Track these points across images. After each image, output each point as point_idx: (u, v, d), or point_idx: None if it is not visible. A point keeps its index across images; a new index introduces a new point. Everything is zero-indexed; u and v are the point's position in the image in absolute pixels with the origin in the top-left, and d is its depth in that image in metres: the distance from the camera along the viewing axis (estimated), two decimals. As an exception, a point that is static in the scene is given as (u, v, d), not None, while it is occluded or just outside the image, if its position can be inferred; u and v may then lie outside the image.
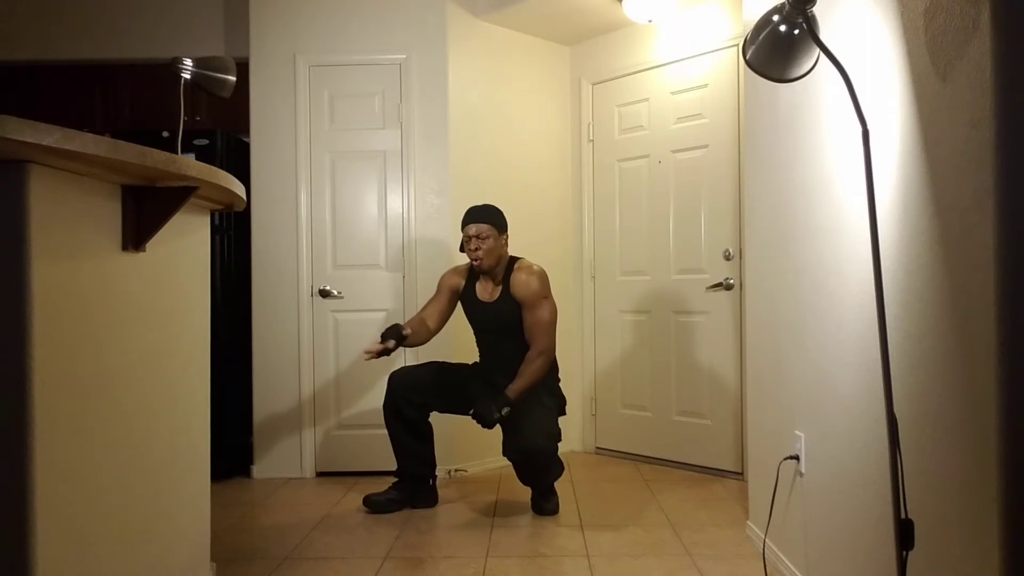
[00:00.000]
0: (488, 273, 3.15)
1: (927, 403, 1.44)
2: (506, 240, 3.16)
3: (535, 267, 3.15)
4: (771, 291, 2.53)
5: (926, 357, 1.44)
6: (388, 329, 3.09)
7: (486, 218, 3.12)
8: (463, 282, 3.23)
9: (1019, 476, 1.15)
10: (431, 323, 3.19)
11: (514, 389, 2.96)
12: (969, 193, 1.27)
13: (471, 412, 2.98)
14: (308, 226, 3.79)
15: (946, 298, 1.36)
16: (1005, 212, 1.16)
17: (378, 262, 3.80)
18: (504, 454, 3.03)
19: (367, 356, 3.01)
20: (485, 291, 3.18)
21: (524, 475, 3.09)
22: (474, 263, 3.11)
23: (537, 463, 3.01)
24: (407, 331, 3.07)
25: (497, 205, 3.22)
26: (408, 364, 3.36)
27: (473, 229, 3.08)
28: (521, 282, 3.10)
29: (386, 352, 3.03)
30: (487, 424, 2.92)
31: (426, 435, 3.22)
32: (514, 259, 3.19)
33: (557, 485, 3.24)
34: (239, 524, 3.04)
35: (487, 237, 3.08)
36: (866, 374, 1.75)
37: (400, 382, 3.14)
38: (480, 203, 3.22)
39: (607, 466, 3.96)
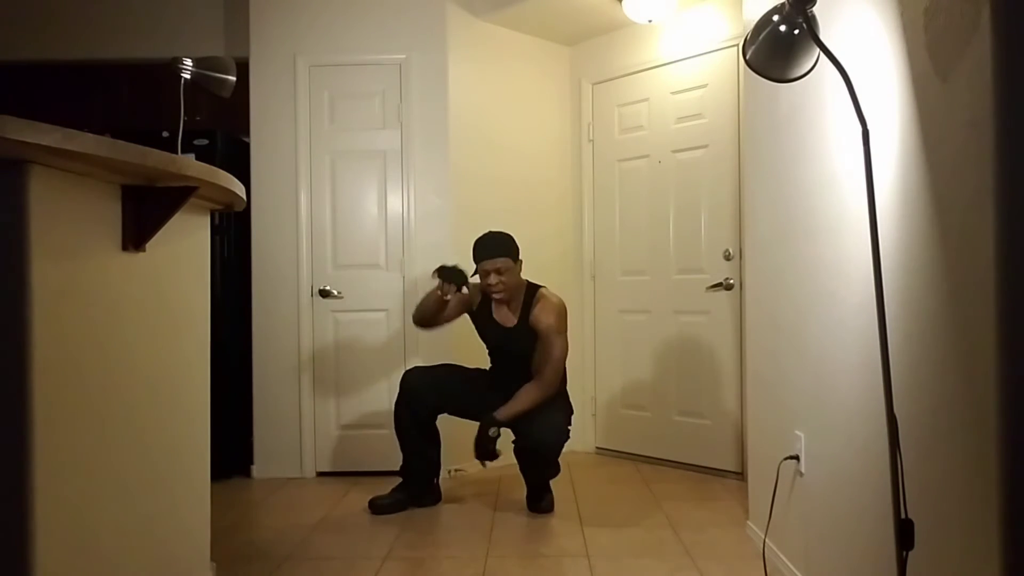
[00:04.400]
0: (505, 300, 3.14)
1: (927, 403, 1.44)
2: (521, 265, 3.12)
3: (555, 299, 3.11)
4: (771, 291, 2.53)
5: (926, 357, 1.44)
6: (448, 270, 3.01)
7: (502, 251, 3.04)
8: (476, 302, 3.20)
9: (1019, 476, 1.15)
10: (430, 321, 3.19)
11: (506, 413, 2.97)
12: (969, 193, 1.27)
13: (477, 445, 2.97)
14: (308, 226, 3.79)
15: (946, 298, 1.36)
16: (1005, 212, 1.16)
17: (378, 262, 3.80)
18: (516, 448, 3.06)
19: (446, 295, 3.01)
20: (502, 314, 3.16)
21: (530, 469, 3.11)
22: (495, 298, 3.08)
23: (547, 458, 3.06)
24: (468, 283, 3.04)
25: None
26: (420, 364, 3.34)
27: (490, 265, 3.02)
28: (542, 315, 3.07)
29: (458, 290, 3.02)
30: (486, 455, 2.95)
31: (435, 436, 3.23)
32: (533, 285, 3.16)
33: (556, 484, 3.25)
34: (239, 524, 3.04)
35: (506, 271, 3.03)
36: (866, 374, 1.75)
37: (416, 382, 3.13)
38: (486, 231, 3.14)
39: (607, 466, 3.96)
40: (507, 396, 3.03)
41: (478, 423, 2.98)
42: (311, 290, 3.78)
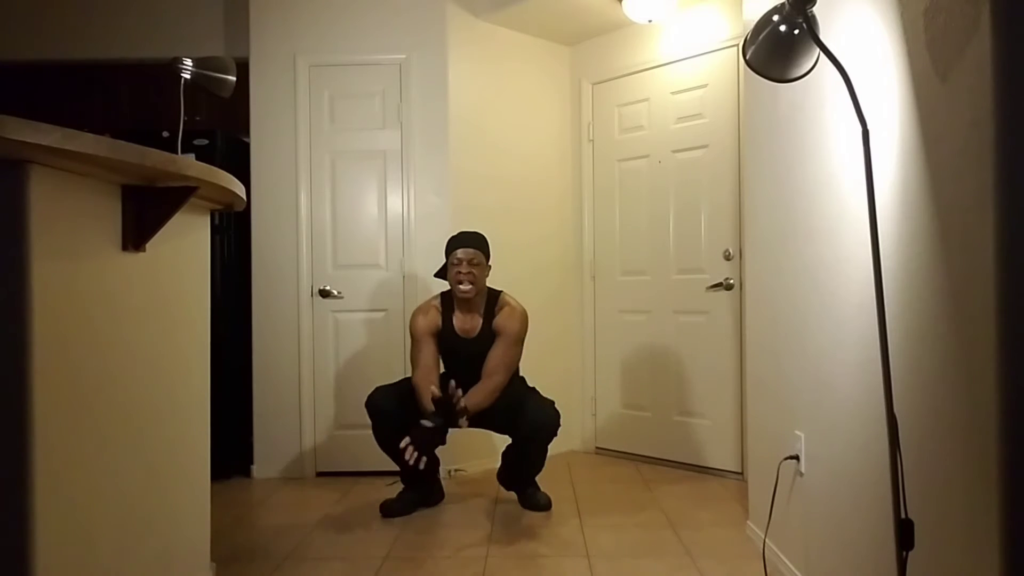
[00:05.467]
0: (467, 304, 3.10)
1: (927, 403, 1.44)
2: (489, 271, 3.14)
3: (519, 307, 3.12)
4: (771, 291, 2.53)
5: (926, 357, 1.44)
6: (424, 434, 2.72)
7: (479, 244, 3.09)
8: (439, 318, 3.13)
9: (1019, 476, 1.15)
10: (434, 378, 3.01)
11: (473, 403, 2.88)
12: (969, 193, 1.27)
13: (406, 444, 2.72)
14: (308, 226, 3.79)
15: (946, 298, 1.36)
16: (1005, 212, 1.16)
17: (378, 262, 3.80)
18: (513, 435, 3.06)
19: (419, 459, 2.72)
20: (464, 325, 3.13)
21: (527, 456, 3.09)
22: (460, 289, 3.04)
23: (547, 438, 3.04)
24: (459, 403, 2.79)
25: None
26: (381, 385, 3.17)
27: (465, 254, 3.04)
28: (507, 319, 3.07)
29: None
30: (424, 450, 2.70)
31: None
32: (494, 291, 3.16)
33: (556, 484, 3.24)
34: (239, 524, 3.04)
35: (478, 264, 3.05)
36: (866, 374, 1.75)
37: (381, 403, 3.02)
38: (468, 229, 3.20)
39: (607, 466, 3.96)
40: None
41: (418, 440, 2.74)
42: (311, 290, 3.78)
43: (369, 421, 3.08)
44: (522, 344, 3.12)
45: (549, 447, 3.11)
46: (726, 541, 2.73)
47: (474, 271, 3.04)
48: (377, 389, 3.11)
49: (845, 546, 1.92)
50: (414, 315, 3.16)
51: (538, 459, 3.14)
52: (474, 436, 3.78)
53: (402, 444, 2.72)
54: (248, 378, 3.79)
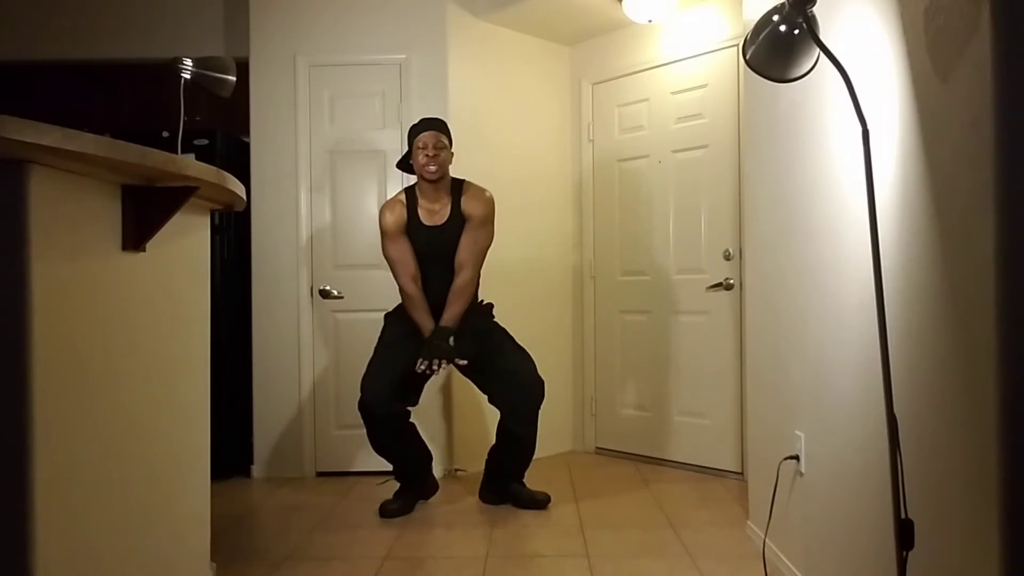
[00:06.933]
0: (433, 191, 3.08)
1: (927, 403, 1.44)
2: (452, 157, 3.13)
3: (485, 190, 3.15)
4: (771, 291, 2.53)
5: (926, 357, 1.44)
6: (440, 343, 2.98)
7: (441, 128, 3.08)
8: (405, 212, 3.11)
9: (1019, 476, 1.15)
10: (417, 274, 3.12)
11: (450, 317, 3.00)
12: (968, 192, 1.27)
13: (421, 364, 2.95)
14: (308, 226, 3.79)
15: (946, 298, 1.36)
16: (1004, 212, 1.16)
17: (378, 262, 3.79)
18: (496, 402, 3.10)
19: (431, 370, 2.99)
20: (430, 214, 3.10)
21: (520, 420, 3.07)
22: (428, 171, 3.01)
23: (538, 398, 3.08)
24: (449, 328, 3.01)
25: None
26: (365, 377, 3.07)
27: (429, 137, 3.02)
28: (475, 200, 3.09)
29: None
30: (443, 353, 2.93)
31: (413, 433, 3.16)
32: (457, 179, 3.16)
33: (556, 484, 3.24)
34: (239, 524, 3.04)
35: (443, 147, 3.04)
36: (866, 374, 1.75)
37: (375, 398, 2.98)
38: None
39: (607, 466, 3.96)
40: (442, 307, 3.05)
41: (424, 363, 2.96)
42: (311, 290, 3.78)
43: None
44: (491, 225, 3.12)
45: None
46: (726, 541, 2.73)
47: (440, 153, 3.03)
48: (369, 392, 3.00)
49: (845, 546, 1.92)
50: (381, 212, 3.15)
51: (535, 417, 3.10)
52: (474, 436, 3.78)
53: (419, 366, 2.93)
54: (248, 378, 3.79)
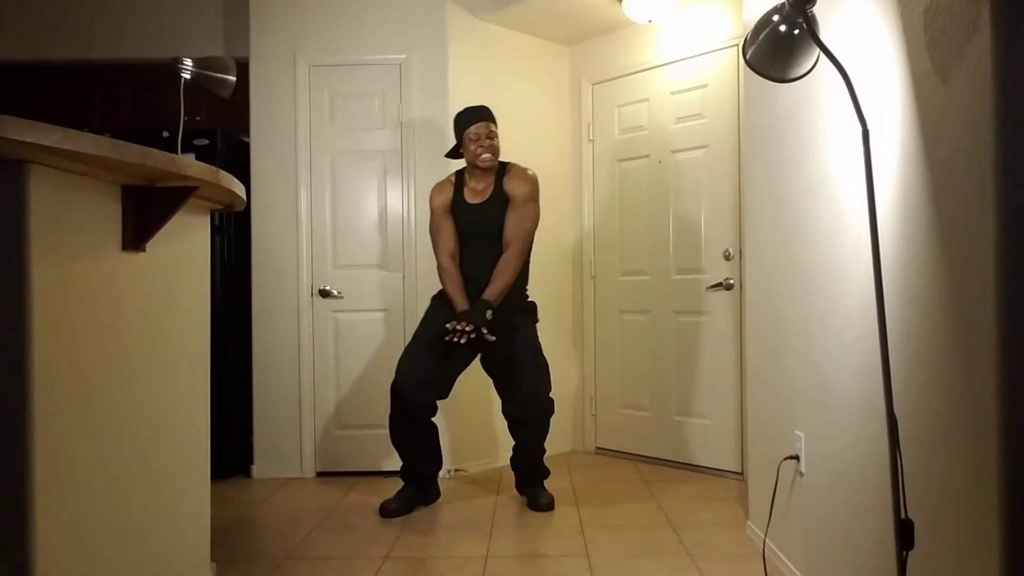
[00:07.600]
0: (481, 173, 3.17)
1: (927, 403, 1.44)
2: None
3: (529, 169, 3.22)
4: (771, 291, 2.53)
5: (926, 357, 1.44)
6: (476, 312, 2.94)
7: (490, 116, 3.18)
8: (452, 192, 3.22)
9: (1019, 476, 1.15)
10: (456, 252, 3.19)
11: (492, 292, 3.02)
12: (969, 193, 1.27)
13: (451, 326, 2.89)
14: (308, 226, 3.79)
15: (946, 298, 1.36)
16: (1005, 212, 1.16)
17: (378, 262, 3.80)
18: (508, 409, 3.10)
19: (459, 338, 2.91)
20: (474, 193, 3.20)
21: (528, 431, 3.12)
22: (484, 159, 3.12)
23: (545, 413, 3.10)
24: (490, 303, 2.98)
25: None
26: (402, 358, 3.15)
27: (483, 128, 3.12)
28: (518, 179, 3.16)
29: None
30: (477, 322, 2.89)
31: (434, 433, 3.19)
32: (503, 162, 3.23)
33: (556, 484, 3.24)
34: (239, 524, 3.04)
35: (494, 136, 3.15)
36: (866, 374, 1.75)
37: (407, 382, 3.03)
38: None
39: (607, 466, 3.96)
40: (484, 286, 3.05)
41: (458, 332, 2.90)
42: (311, 290, 3.78)
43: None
44: (536, 203, 3.19)
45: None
46: (726, 541, 2.73)
47: (493, 141, 3.14)
48: (402, 373, 3.07)
49: (845, 546, 1.92)
50: (432, 191, 3.27)
51: (544, 429, 3.15)
52: (474, 436, 3.78)
53: (449, 325, 2.90)
54: (248, 378, 3.79)
